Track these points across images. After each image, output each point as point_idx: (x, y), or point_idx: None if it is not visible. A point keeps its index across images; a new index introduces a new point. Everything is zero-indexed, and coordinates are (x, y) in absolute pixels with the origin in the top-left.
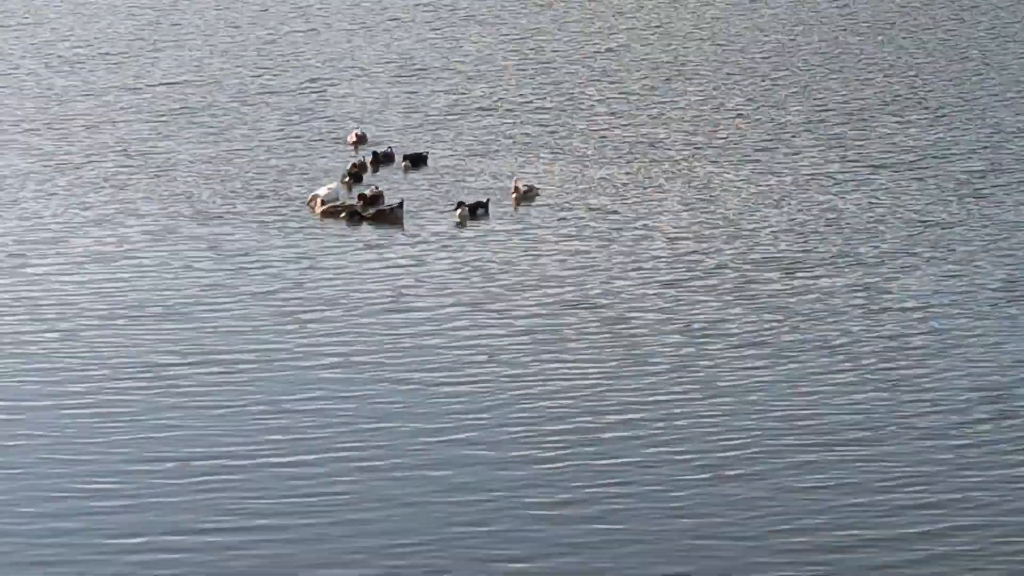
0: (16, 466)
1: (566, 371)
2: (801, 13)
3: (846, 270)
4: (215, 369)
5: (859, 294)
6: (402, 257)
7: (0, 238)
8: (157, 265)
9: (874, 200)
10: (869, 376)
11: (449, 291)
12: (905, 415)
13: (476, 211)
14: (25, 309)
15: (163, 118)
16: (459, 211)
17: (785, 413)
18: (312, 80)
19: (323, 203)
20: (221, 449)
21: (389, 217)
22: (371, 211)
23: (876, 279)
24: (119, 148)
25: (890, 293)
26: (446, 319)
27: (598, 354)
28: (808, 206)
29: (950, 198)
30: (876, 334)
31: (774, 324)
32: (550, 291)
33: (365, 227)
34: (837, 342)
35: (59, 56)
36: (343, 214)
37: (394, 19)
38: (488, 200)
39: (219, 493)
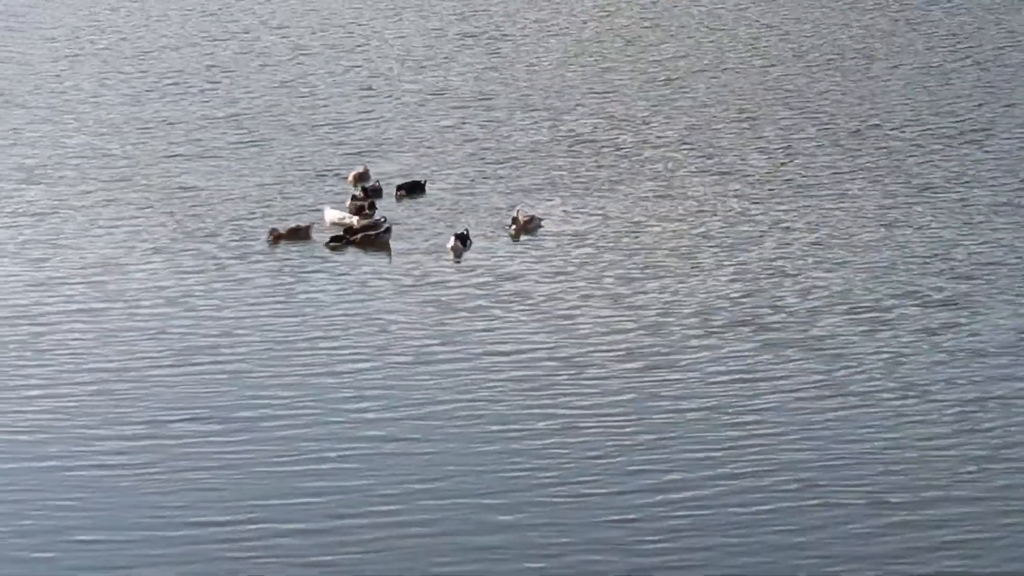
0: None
1: (588, 412)
2: (848, 41)
3: (908, 311)
4: (211, 404)
5: (925, 337)
6: (387, 285)
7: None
8: (142, 292)
9: (934, 236)
10: (941, 428)
11: (431, 323)
12: (987, 472)
13: (465, 242)
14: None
15: (191, 150)
16: (453, 243)
17: (852, 468)
18: (340, 114)
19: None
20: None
21: (374, 243)
22: (358, 236)
23: (942, 320)
24: (143, 181)
25: (958, 335)
26: (424, 354)
27: (631, 406)
28: (858, 243)
29: (1019, 234)
30: (945, 379)
31: (820, 371)
32: (542, 324)
33: (351, 253)
34: (902, 387)
35: (103, 87)
36: (328, 242)
37: (433, 54)
38: (467, 230)
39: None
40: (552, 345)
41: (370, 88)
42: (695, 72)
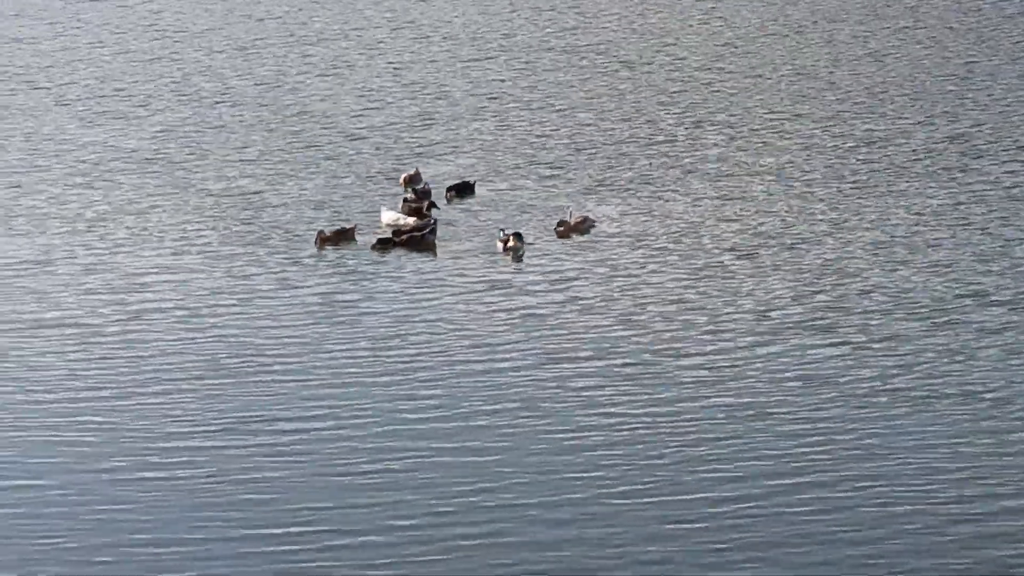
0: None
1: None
2: (911, 39)
3: (973, 311)
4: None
5: (991, 337)
6: (434, 286)
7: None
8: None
9: (998, 234)
10: (1011, 435)
11: (481, 325)
12: None
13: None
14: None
15: (248, 155)
16: (512, 243)
17: (920, 476)
18: (399, 116)
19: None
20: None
21: (420, 243)
22: (403, 237)
23: (1008, 321)
24: (198, 186)
25: None
26: (474, 357)
27: (693, 410)
28: (920, 242)
29: None
30: (1012, 380)
31: (885, 373)
32: (596, 327)
33: (397, 254)
34: (969, 390)
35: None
36: (375, 244)
37: (487, 56)
38: (502, 230)
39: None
40: (609, 348)
41: (429, 90)
42: (755, 73)
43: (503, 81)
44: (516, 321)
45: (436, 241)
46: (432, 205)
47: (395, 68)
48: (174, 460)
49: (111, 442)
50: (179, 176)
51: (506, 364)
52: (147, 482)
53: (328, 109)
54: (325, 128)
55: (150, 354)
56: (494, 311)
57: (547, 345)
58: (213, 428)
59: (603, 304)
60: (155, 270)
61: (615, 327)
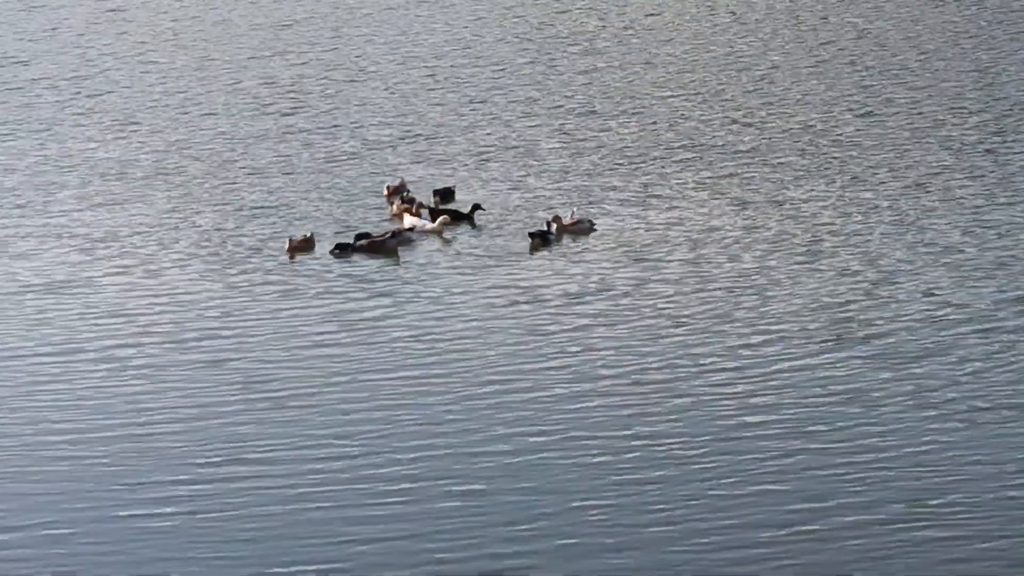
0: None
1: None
2: (966, 36)
3: (991, 321)
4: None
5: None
6: (391, 293)
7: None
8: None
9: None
10: None
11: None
12: None
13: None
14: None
15: (272, 169)
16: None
17: (974, 494)
18: (419, 126)
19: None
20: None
21: (381, 248)
22: (363, 242)
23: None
24: (207, 198)
25: None
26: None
27: (726, 428)
28: (970, 247)
29: None
30: None
31: (932, 384)
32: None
33: (354, 259)
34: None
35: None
36: (332, 249)
37: (517, 61)
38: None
39: None
40: (620, 363)
41: (452, 96)
42: (781, 72)
43: (528, 86)
44: (503, 330)
45: (399, 248)
46: (477, 207)
47: (417, 75)
48: (186, 492)
49: (120, 473)
50: (192, 191)
51: (501, 378)
52: (153, 518)
53: (350, 118)
54: (350, 139)
55: (149, 378)
56: (474, 319)
57: (553, 360)
58: (233, 455)
59: (610, 314)
60: (156, 290)
61: (619, 339)
